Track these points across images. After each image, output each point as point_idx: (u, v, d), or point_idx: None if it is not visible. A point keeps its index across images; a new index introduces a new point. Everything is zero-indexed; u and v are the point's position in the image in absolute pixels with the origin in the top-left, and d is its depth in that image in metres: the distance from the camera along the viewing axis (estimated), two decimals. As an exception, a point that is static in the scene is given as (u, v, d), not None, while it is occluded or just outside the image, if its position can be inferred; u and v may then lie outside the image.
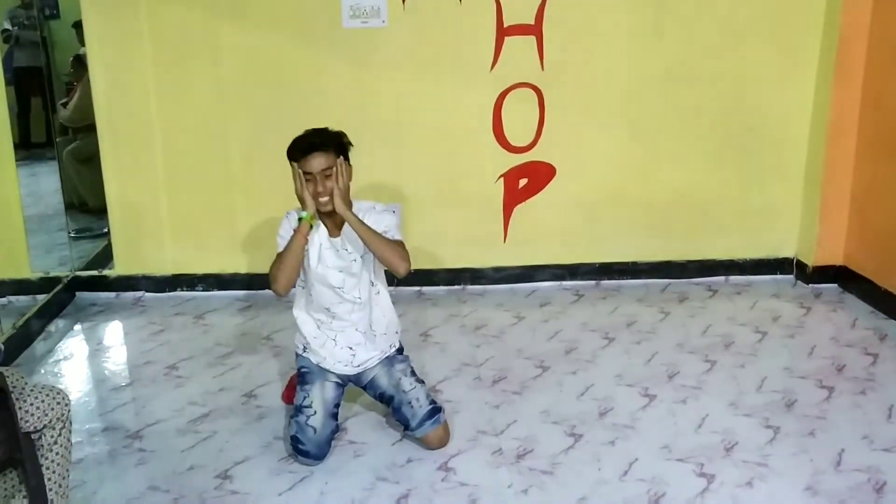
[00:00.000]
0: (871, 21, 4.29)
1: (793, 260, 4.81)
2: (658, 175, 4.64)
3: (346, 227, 2.92)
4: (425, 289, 4.70)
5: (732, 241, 4.79)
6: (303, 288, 3.06)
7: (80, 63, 5.42)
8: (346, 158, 2.92)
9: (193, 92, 4.41)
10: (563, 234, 4.71)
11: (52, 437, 2.33)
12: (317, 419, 2.92)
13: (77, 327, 4.30)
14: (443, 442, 3.03)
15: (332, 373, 3.05)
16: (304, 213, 2.87)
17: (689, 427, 3.18)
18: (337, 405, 3.03)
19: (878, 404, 3.33)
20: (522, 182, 4.61)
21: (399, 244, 2.91)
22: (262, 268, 4.61)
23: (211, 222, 4.59)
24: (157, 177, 4.51)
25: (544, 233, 4.69)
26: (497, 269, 4.74)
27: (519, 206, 4.65)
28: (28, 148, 5.57)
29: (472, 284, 4.73)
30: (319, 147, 2.85)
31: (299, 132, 4.42)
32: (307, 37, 4.35)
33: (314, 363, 3.07)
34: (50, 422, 2.32)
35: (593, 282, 4.77)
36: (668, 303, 4.49)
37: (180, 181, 4.51)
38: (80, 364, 3.89)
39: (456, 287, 4.71)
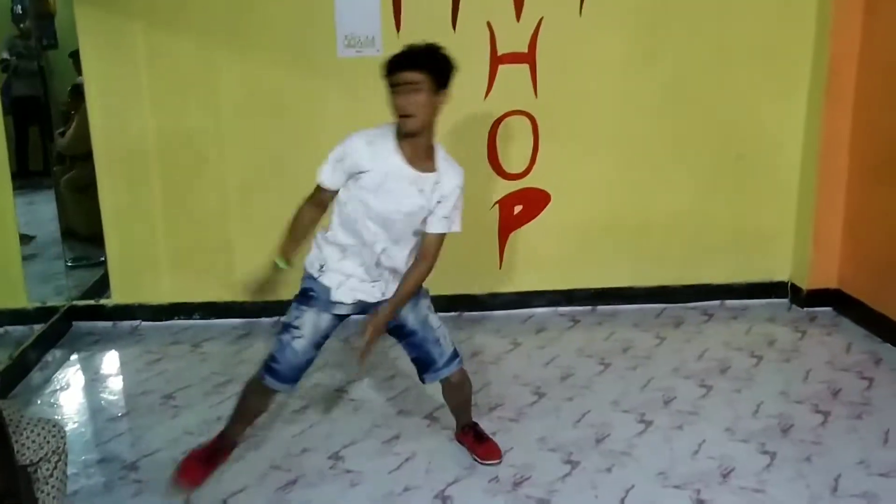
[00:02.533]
0: (860, 47, 4.34)
1: (787, 284, 4.83)
2: (652, 200, 4.67)
3: (438, 169, 2.74)
4: (422, 315, 4.70)
5: (727, 265, 4.81)
6: (343, 214, 2.82)
7: (77, 92, 5.45)
8: (445, 80, 2.67)
9: (190, 121, 4.44)
10: (558, 259, 4.73)
11: (47, 469, 2.34)
12: (301, 342, 2.82)
13: (74, 357, 4.30)
14: (466, 383, 3.07)
15: (346, 306, 2.86)
16: (280, 262, 2.84)
17: (686, 453, 3.18)
18: (325, 337, 2.89)
19: (874, 429, 3.34)
20: (517, 208, 4.64)
21: (435, 246, 2.80)
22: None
23: (208, 251, 4.60)
24: (154, 206, 4.52)
25: (540, 259, 4.71)
26: (493, 296, 4.75)
27: (514, 232, 4.67)
28: (26, 177, 5.61)
29: (468, 311, 4.74)
30: (411, 61, 2.62)
31: (295, 161, 4.50)
32: (303, 66, 4.38)
33: (328, 290, 2.83)
34: (46, 455, 2.32)
35: (589, 307, 4.78)
36: (664, 328, 4.50)
37: (177, 210, 4.53)
38: (77, 394, 3.89)
39: (452, 314, 4.71)
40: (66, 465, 2.42)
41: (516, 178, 4.60)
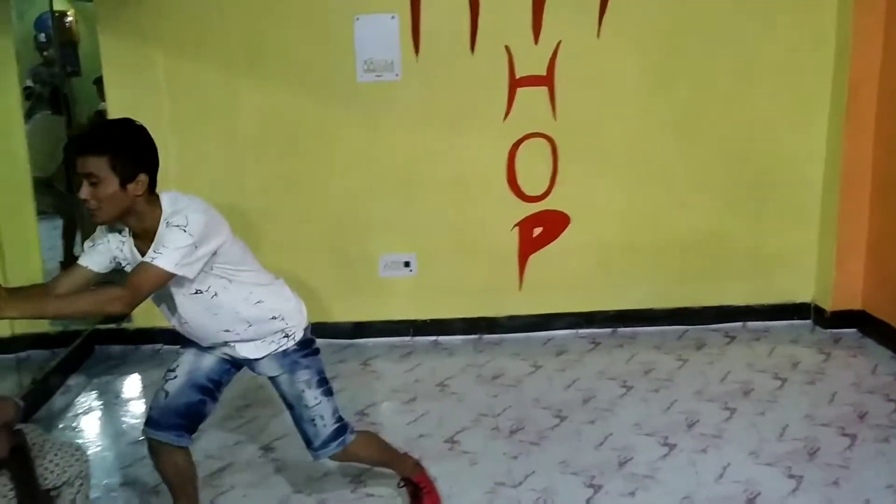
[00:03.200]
0: (881, 68, 4.32)
1: (810, 305, 4.78)
2: (673, 221, 4.65)
3: (157, 234, 2.32)
4: (442, 338, 4.69)
5: (749, 286, 4.78)
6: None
7: (100, 119, 5.52)
8: (134, 167, 2.29)
9: (211, 147, 4.48)
10: (578, 281, 4.71)
11: (70, 494, 2.34)
12: (173, 384, 2.59)
13: (96, 381, 4.31)
14: (363, 459, 2.82)
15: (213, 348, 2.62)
16: None
17: (711, 477, 3.14)
18: (211, 381, 2.63)
19: (902, 452, 3.29)
20: (537, 231, 4.63)
21: (133, 276, 2.27)
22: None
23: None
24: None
25: (560, 281, 4.69)
26: (513, 318, 4.73)
27: (534, 254, 4.66)
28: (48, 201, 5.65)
29: (488, 333, 4.73)
30: (82, 147, 2.27)
31: (313, 186, 4.52)
32: (323, 92, 4.41)
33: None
34: (69, 479, 2.32)
35: (609, 329, 4.75)
36: (686, 350, 4.46)
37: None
38: (99, 418, 3.91)
39: (472, 336, 4.70)
40: (88, 489, 2.42)
41: (536, 200, 4.59)
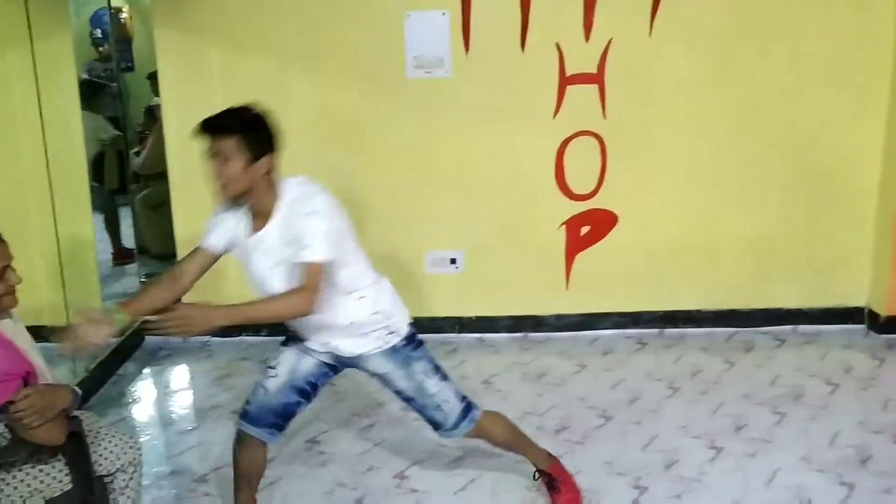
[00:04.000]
0: (942, 67, 4.22)
1: (864, 309, 4.69)
2: (722, 222, 4.59)
3: (271, 222, 2.48)
4: (486, 336, 4.69)
5: (800, 289, 4.69)
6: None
7: (152, 113, 5.63)
8: (260, 148, 2.46)
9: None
10: (625, 281, 4.67)
11: (123, 481, 2.39)
12: (274, 382, 2.66)
13: (146, 371, 4.40)
14: (493, 439, 2.87)
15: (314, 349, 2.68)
16: (116, 312, 2.40)
17: (760, 482, 3.11)
18: (311, 383, 2.69)
19: (958, 461, 3.22)
20: (584, 229, 4.60)
21: (305, 277, 2.38)
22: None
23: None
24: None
25: (606, 280, 4.66)
26: (559, 317, 4.71)
27: (581, 253, 4.63)
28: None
29: (533, 332, 4.71)
30: (214, 128, 2.45)
31: (365, 181, 4.54)
32: (373, 87, 4.44)
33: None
34: (122, 466, 2.37)
35: (656, 330, 4.71)
36: (734, 352, 4.40)
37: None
38: (149, 407, 3.98)
39: (518, 334, 4.69)
40: (141, 476, 2.47)
41: (584, 198, 4.57)
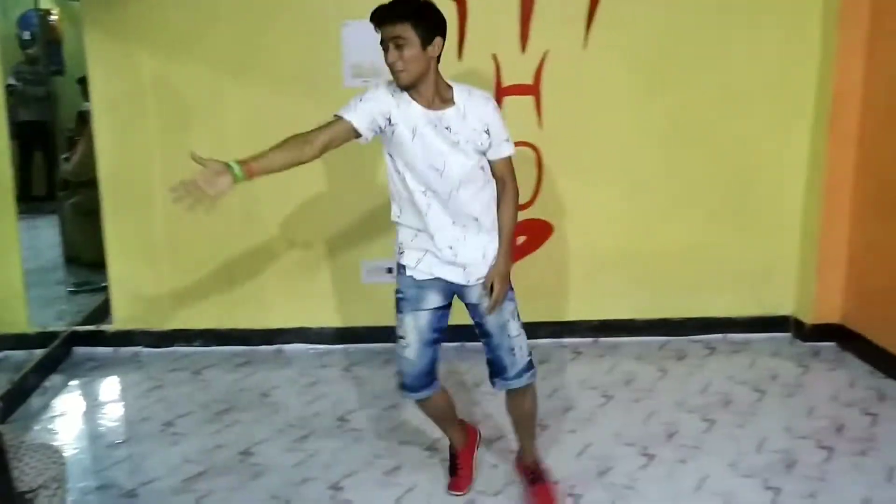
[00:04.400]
0: (863, 83, 4.37)
1: (790, 318, 4.82)
2: (656, 232, 4.67)
3: (454, 105, 2.68)
4: (423, 345, 4.69)
5: (730, 298, 4.80)
6: (395, 170, 2.80)
7: (83, 119, 5.49)
8: (432, 30, 2.60)
9: (196, 149, 4.43)
10: (561, 291, 4.72)
11: (46, 497, 2.32)
12: (411, 350, 2.85)
13: (74, 383, 4.28)
14: (529, 398, 2.98)
15: (432, 288, 2.83)
16: (235, 166, 2.53)
17: (689, 488, 3.16)
18: (436, 330, 2.87)
19: (878, 466, 3.31)
20: (521, 239, 4.64)
21: (510, 169, 2.84)
22: (260, 323, 4.65)
23: (210, 277, 4.60)
24: (157, 231, 4.53)
25: (542, 290, 4.70)
26: (495, 326, 4.72)
27: (517, 262, 4.66)
28: (29, 201, 5.62)
29: (471, 341, 4.71)
30: (390, 14, 2.57)
31: (299, 188, 4.51)
32: (310, 96, 4.40)
33: (411, 280, 2.83)
34: (45, 482, 2.30)
35: (591, 339, 4.76)
36: (667, 360, 4.48)
37: (180, 236, 4.54)
38: (76, 420, 3.87)
39: (455, 343, 4.69)
40: (65, 492, 2.40)
41: (520, 209, 4.56)
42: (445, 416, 3.12)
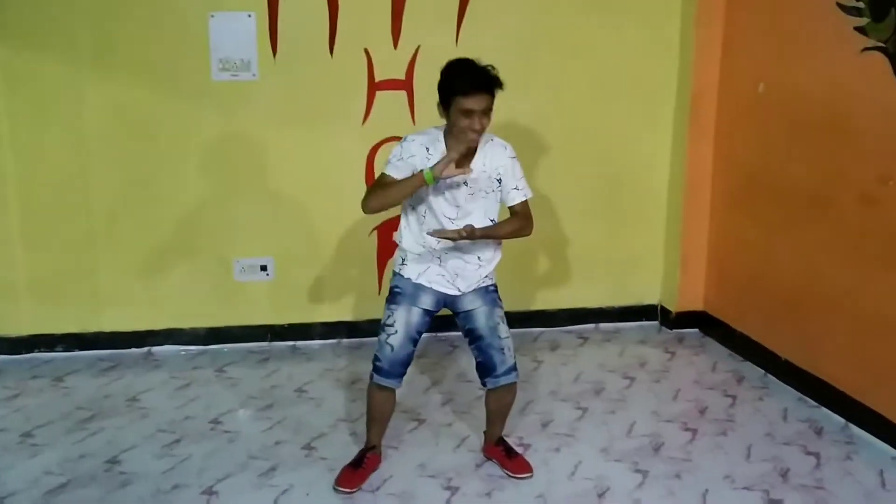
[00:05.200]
0: (719, 79, 4.58)
1: (657, 307, 5.01)
2: (528, 226, 4.75)
3: (477, 158, 2.98)
4: (300, 343, 4.63)
5: (601, 289, 4.95)
6: (412, 208, 3.07)
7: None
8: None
9: (52, 144, 4.24)
10: (437, 285, 4.74)
11: None
12: (396, 338, 3.05)
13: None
14: (512, 394, 3.24)
15: (428, 293, 3.08)
16: (428, 170, 2.83)
17: (563, 475, 3.24)
18: (420, 332, 3.10)
19: (737, 444, 3.49)
20: (395, 235, 4.62)
21: (524, 212, 3.10)
22: (128, 326, 4.47)
23: (71, 279, 4.39)
24: (11, 232, 4.28)
25: (419, 284, 4.71)
26: (372, 322, 4.68)
27: (392, 258, 4.65)
28: None
29: (347, 338, 4.69)
30: (489, 86, 2.87)
31: (165, 185, 4.36)
32: (175, 89, 4.27)
33: (410, 281, 3.09)
34: None
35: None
36: (541, 351, 4.58)
37: (37, 237, 4.31)
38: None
39: (331, 341, 4.66)
40: None
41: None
42: (384, 418, 3.25)
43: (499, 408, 3.29)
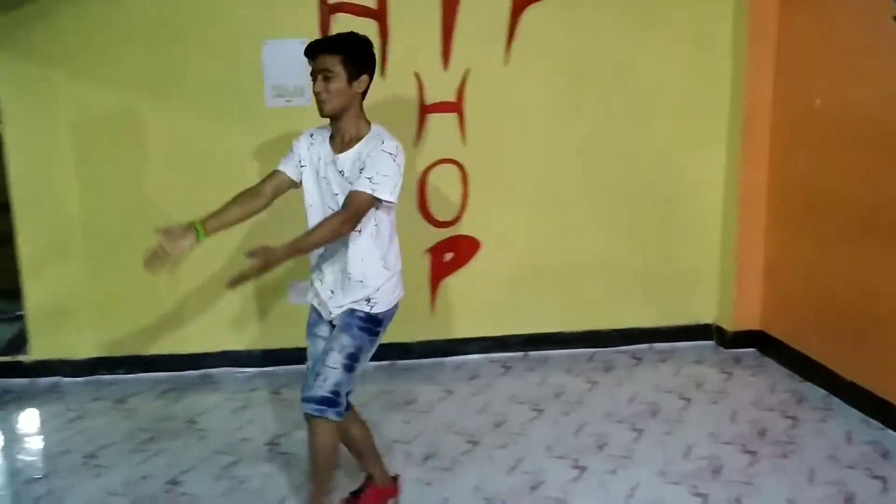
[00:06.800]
0: (773, 99, 4.53)
1: (713, 326, 4.94)
2: (580, 246, 4.74)
3: (354, 147, 2.75)
4: (353, 365, 4.65)
5: (654, 308, 4.90)
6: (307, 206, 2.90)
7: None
8: (360, 67, 2.74)
9: (115, 171, 4.36)
10: (489, 306, 4.75)
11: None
12: (310, 370, 2.86)
13: (-11, 416, 4.12)
14: (317, 440, 2.78)
15: (318, 317, 2.94)
16: (198, 226, 2.73)
17: (620, 498, 3.20)
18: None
19: (799, 467, 3.41)
20: (448, 256, 4.65)
21: (354, 202, 2.67)
22: (186, 348, 4.55)
23: (133, 303, 4.49)
24: (75, 258, 4.40)
25: (471, 305, 4.72)
26: (425, 343, 4.73)
27: (445, 279, 4.68)
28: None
29: (400, 359, 4.71)
30: (322, 47, 2.73)
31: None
32: (230, 116, 4.36)
33: (313, 307, 2.97)
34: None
35: (521, 353, 4.80)
36: (595, 372, 4.54)
37: (100, 261, 4.42)
38: (-8, 455, 3.72)
39: (384, 362, 4.68)
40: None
41: (446, 225, 4.62)
42: (356, 452, 3.08)
43: (312, 449, 2.86)
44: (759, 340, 4.77)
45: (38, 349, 4.50)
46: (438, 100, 4.48)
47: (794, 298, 4.48)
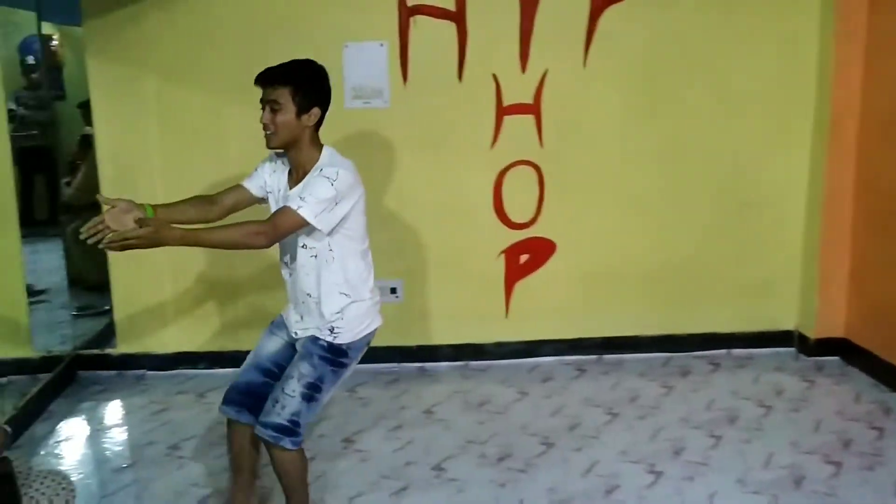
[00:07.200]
0: (861, 99, 4.39)
1: (794, 333, 4.82)
2: (657, 249, 4.69)
3: (303, 181, 2.65)
4: (428, 365, 4.69)
5: (733, 313, 4.81)
6: None
7: (85, 143, 5.50)
8: (311, 100, 2.64)
9: (199, 173, 4.47)
10: (564, 308, 4.72)
11: (56, 523, 2.31)
12: (244, 364, 2.83)
13: (78, 407, 4.27)
14: (279, 467, 2.70)
15: (286, 327, 2.87)
16: (147, 207, 2.67)
17: (698, 505, 3.15)
18: (276, 364, 2.80)
19: (886, 480, 3.31)
20: (523, 258, 4.65)
21: (278, 217, 2.59)
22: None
23: (214, 300, 4.61)
24: (160, 254, 4.50)
25: (546, 307, 4.71)
26: (499, 345, 4.73)
27: (520, 281, 4.68)
28: (31, 225, 5.62)
29: (474, 360, 4.72)
30: (271, 78, 2.64)
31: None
32: (311, 117, 4.43)
33: (282, 315, 2.92)
34: (55, 508, 2.29)
35: (595, 356, 4.76)
36: (671, 377, 4.48)
37: (183, 260, 4.54)
38: (81, 445, 3.86)
39: (458, 363, 4.70)
40: (74, 518, 2.39)
41: (522, 227, 4.62)
42: (236, 462, 2.90)
43: (277, 474, 2.77)
44: (843, 349, 4.63)
45: (125, 343, 4.65)
46: (516, 102, 4.48)
47: (882, 306, 4.33)
